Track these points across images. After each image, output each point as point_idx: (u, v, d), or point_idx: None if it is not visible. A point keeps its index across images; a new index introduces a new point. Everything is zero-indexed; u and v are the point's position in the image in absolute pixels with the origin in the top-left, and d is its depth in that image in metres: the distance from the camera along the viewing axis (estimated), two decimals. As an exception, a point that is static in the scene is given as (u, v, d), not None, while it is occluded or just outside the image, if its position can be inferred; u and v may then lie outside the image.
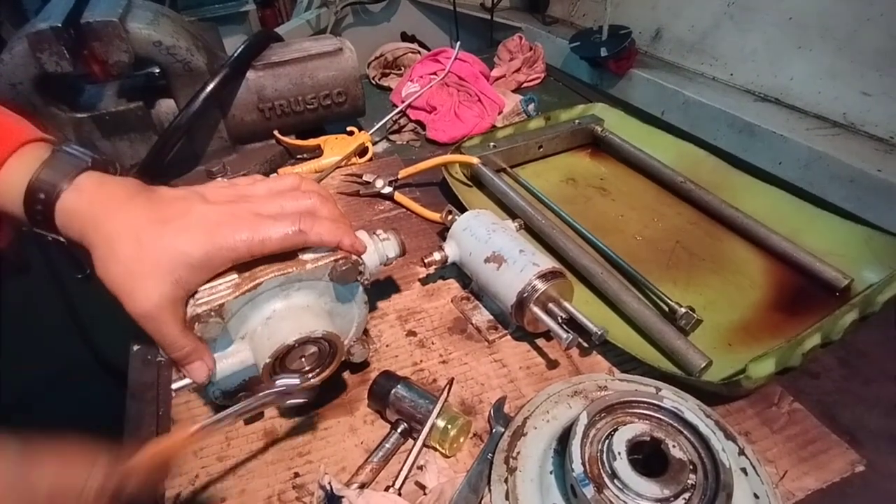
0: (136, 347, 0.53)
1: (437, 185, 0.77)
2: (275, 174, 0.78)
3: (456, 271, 0.60)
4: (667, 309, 0.53)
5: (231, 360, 0.41)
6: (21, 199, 0.38)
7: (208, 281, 0.39)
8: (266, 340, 0.39)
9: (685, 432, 0.36)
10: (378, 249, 0.49)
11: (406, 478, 0.40)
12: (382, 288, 0.59)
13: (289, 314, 0.41)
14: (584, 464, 0.35)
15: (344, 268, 0.41)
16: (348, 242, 0.42)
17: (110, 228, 0.37)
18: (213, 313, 0.38)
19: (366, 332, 0.49)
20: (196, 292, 0.39)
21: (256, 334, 0.41)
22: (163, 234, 0.37)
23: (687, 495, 0.33)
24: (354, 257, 0.42)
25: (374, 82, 1.10)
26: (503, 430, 0.43)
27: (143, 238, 0.37)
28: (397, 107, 0.93)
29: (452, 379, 0.48)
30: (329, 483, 0.38)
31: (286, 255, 0.41)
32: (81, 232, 0.38)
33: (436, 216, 0.69)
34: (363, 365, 0.50)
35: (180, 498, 0.41)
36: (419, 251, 0.63)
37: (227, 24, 2.23)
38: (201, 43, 0.72)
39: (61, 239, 0.40)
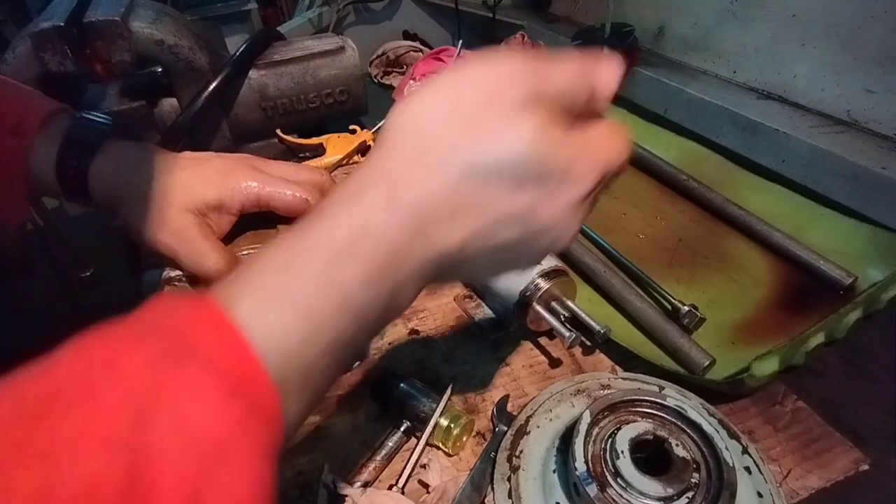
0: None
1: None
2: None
3: (458, 270, 0.60)
4: (670, 307, 0.53)
5: None
6: (53, 170, 0.40)
7: None
8: None
9: (688, 431, 0.36)
10: None
11: (409, 476, 0.40)
12: (385, 287, 0.59)
13: None
14: (587, 462, 0.35)
15: None
16: None
17: (136, 181, 0.40)
18: (183, 278, 0.39)
19: None
20: None
21: None
22: (181, 177, 0.40)
23: (690, 494, 0.33)
24: None
25: (376, 81, 1.10)
26: (506, 428, 0.43)
27: (164, 182, 0.40)
28: (399, 105, 0.93)
29: (455, 377, 0.48)
30: (332, 481, 0.39)
31: (268, 237, 0.42)
32: (111, 191, 0.41)
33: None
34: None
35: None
36: (422, 250, 0.63)
37: (229, 22, 2.24)
38: (203, 42, 0.72)
39: (91, 203, 0.43)
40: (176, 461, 0.17)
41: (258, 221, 0.43)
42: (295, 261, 0.22)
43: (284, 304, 0.21)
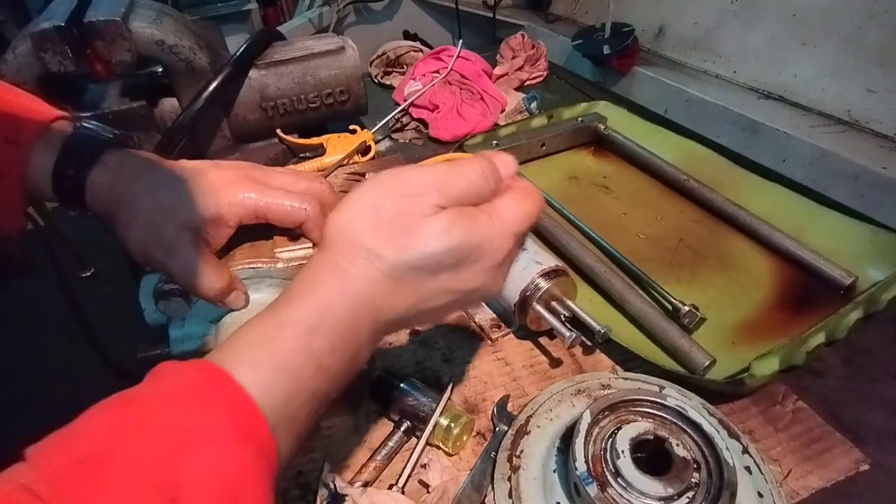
0: (139, 355, 0.53)
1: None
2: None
3: (459, 270, 0.60)
4: (670, 307, 0.53)
5: (195, 343, 0.41)
6: (50, 178, 0.40)
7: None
8: (228, 331, 0.40)
9: (689, 431, 0.36)
10: None
11: (409, 476, 0.40)
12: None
13: (254, 309, 0.41)
14: (587, 462, 0.35)
15: None
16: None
17: (132, 194, 0.40)
18: (177, 292, 0.38)
19: None
20: None
21: (223, 324, 0.41)
22: (177, 191, 0.39)
23: (690, 494, 0.33)
24: None
25: (376, 81, 1.10)
26: (506, 428, 0.43)
27: (160, 197, 0.39)
28: (400, 105, 0.93)
29: (455, 377, 0.48)
30: (333, 481, 0.39)
31: (264, 250, 0.42)
32: (107, 202, 0.41)
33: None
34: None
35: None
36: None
37: (229, 22, 2.24)
38: (204, 42, 0.72)
39: (87, 213, 0.42)
40: (206, 494, 0.22)
41: (254, 232, 0.43)
42: (277, 336, 0.27)
43: (273, 369, 0.26)
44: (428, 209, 0.30)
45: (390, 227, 0.30)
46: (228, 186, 0.40)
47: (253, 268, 0.40)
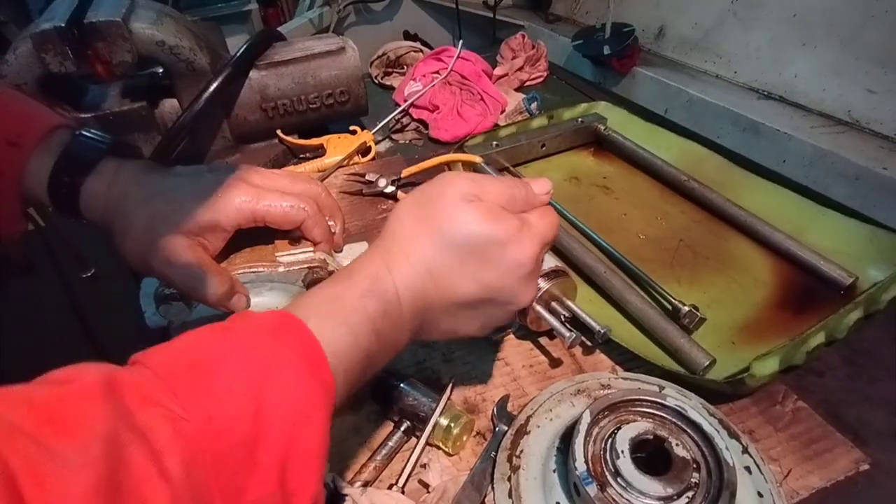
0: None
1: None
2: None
3: (459, 270, 0.60)
4: (670, 307, 0.53)
5: None
6: (46, 184, 0.40)
7: None
8: None
9: (689, 431, 0.36)
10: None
11: (409, 476, 0.40)
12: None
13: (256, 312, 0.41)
14: (587, 462, 0.35)
15: (317, 275, 0.41)
16: (327, 247, 0.45)
17: (126, 204, 0.40)
18: (178, 297, 0.38)
19: None
20: None
21: None
22: (173, 199, 0.40)
23: (690, 494, 0.33)
24: (331, 266, 0.42)
25: (376, 81, 1.10)
26: (506, 428, 0.43)
27: (155, 206, 0.39)
28: (400, 106, 0.93)
29: (455, 377, 0.48)
30: (332, 481, 0.39)
31: (265, 254, 0.42)
32: (103, 211, 0.41)
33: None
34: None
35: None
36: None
37: (229, 23, 2.24)
38: (204, 42, 0.72)
39: (83, 221, 0.42)
40: (283, 411, 0.26)
41: (254, 237, 0.43)
42: (340, 296, 0.32)
43: (336, 322, 0.31)
44: (457, 198, 0.35)
45: (426, 214, 0.35)
46: (224, 191, 0.40)
47: (254, 272, 0.40)
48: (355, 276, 0.33)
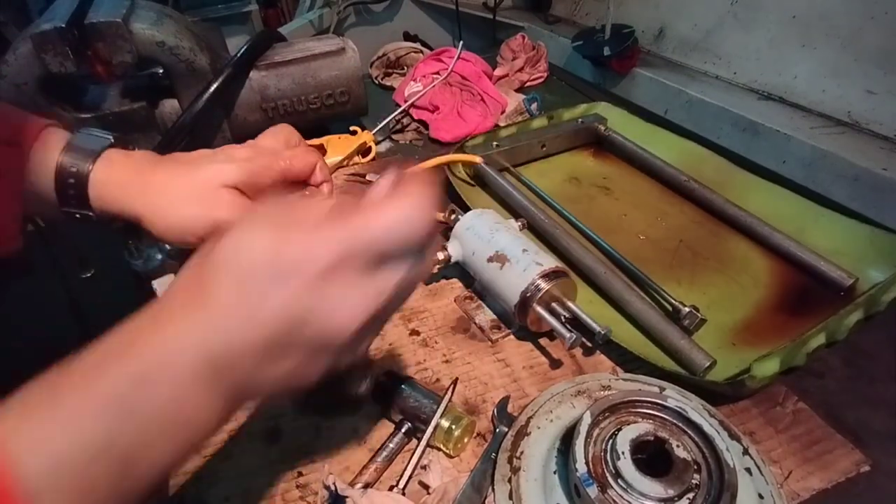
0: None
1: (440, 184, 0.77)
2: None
3: (459, 271, 0.60)
4: (670, 308, 0.53)
5: None
6: (52, 180, 0.40)
7: None
8: None
9: (689, 432, 0.36)
10: None
11: (410, 477, 0.40)
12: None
13: None
14: (587, 463, 0.35)
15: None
16: (327, 189, 0.47)
17: (150, 182, 0.40)
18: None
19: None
20: None
21: None
22: (200, 167, 0.41)
23: (691, 495, 0.33)
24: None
25: (376, 82, 1.10)
26: (507, 429, 0.43)
27: (180, 177, 0.40)
28: (400, 106, 0.93)
29: (456, 379, 0.48)
30: (333, 483, 0.39)
31: None
32: (119, 197, 0.41)
33: (439, 216, 0.69)
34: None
35: (184, 497, 0.41)
36: (422, 251, 0.63)
37: (230, 24, 2.24)
38: (204, 43, 0.72)
39: (90, 214, 0.42)
40: None
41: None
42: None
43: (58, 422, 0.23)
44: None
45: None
46: (250, 159, 0.42)
47: None
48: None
